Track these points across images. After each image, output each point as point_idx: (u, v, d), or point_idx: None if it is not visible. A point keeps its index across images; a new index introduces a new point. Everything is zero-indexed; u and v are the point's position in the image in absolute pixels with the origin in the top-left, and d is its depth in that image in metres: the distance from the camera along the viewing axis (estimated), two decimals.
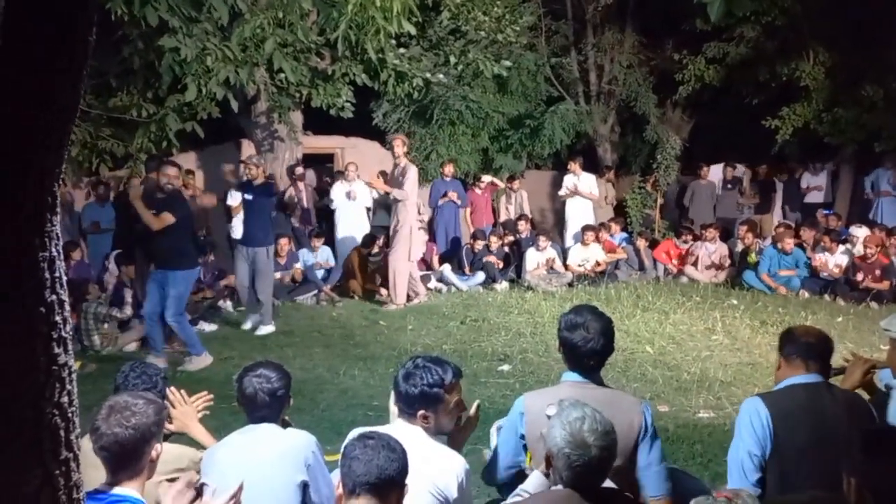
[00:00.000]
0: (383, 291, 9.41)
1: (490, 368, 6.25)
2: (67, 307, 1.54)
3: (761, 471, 2.54)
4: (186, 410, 2.95)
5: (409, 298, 8.76)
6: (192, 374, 6.03)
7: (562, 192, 11.38)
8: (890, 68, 10.56)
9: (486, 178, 11.58)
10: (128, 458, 2.14)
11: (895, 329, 2.74)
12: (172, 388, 2.92)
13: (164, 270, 6.33)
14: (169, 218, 6.13)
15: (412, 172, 8.52)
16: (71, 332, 1.55)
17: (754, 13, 11.22)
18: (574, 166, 11.26)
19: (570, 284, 9.86)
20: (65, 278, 1.52)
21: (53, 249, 1.48)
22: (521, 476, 2.81)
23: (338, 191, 10.39)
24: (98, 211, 9.57)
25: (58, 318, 1.49)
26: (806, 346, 2.61)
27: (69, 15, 1.35)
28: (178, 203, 6.32)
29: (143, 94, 8.22)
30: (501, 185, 11.74)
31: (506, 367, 6.25)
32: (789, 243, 9.46)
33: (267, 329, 7.48)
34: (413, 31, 7.81)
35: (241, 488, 2.26)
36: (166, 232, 6.24)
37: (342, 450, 2.09)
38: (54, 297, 1.48)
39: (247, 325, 7.70)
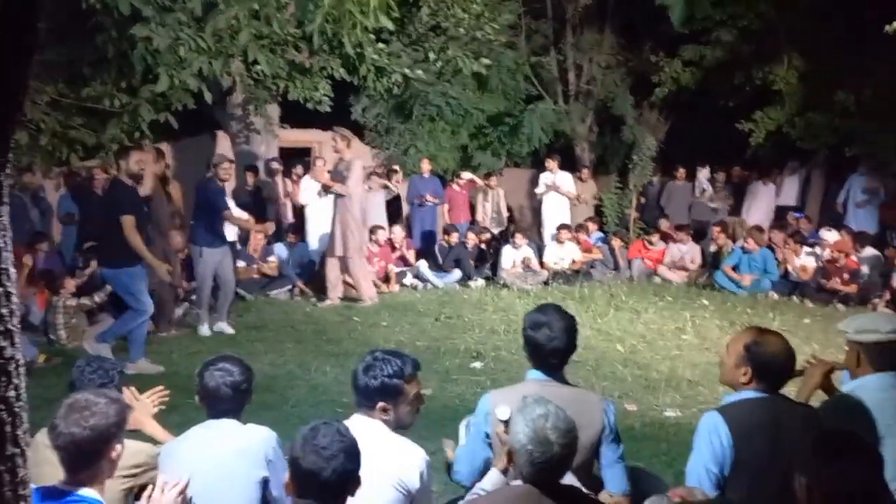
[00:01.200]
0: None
1: (462, 365, 6.26)
2: (15, 299, 1.51)
3: (718, 487, 2.53)
4: (138, 407, 2.90)
5: (325, 298, 8.56)
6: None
7: (540, 190, 11.43)
8: (863, 74, 10.71)
9: (466, 176, 11.60)
10: (85, 458, 2.11)
11: (852, 331, 2.77)
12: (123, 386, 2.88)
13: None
14: None
15: (357, 168, 8.36)
16: (17, 326, 1.52)
17: (730, 17, 11.33)
18: (552, 164, 11.33)
19: (546, 283, 9.91)
20: (13, 270, 1.50)
21: (0, 241, 1.45)
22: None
23: (308, 187, 10.22)
24: (73, 202, 9.45)
25: (3, 311, 1.46)
26: (779, 371, 2.59)
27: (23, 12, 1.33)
28: None
29: (116, 84, 8.08)
30: (480, 182, 11.77)
31: (478, 365, 6.27)
32: (751, 243, 9.60)
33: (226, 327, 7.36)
34: (391, 26, 7.72)
35: (188, 483, 2.24)
36: None
37: (290, 448, 2.07)
38: (0, 289, 1.45)
39: (205, 330, 7.30)
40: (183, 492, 2.26)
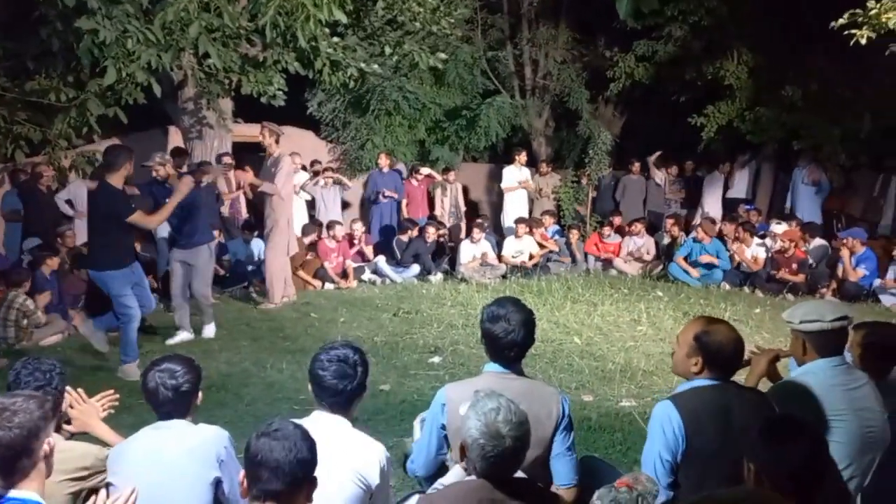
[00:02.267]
0: (316, 283, 9.33)
1: (421, 360, 6.25)
2: None
3: (673, 474, 2.59)
4: (86, 409, 2.83)
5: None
6: (111, 370, 5.84)
7: (510, 185, 11.51)
8: (809, 70, 10.99)
9: (424, 171, 11.60)
10: (17, 459, 2.04)
11: (797, 320, 2.83)
12: (69, 388, 2.80)
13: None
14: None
15: (286, 164, 8.08)
16: None
17: (681, 13, 11.51)
18: (522, 158, 11.48)
19: (504, 276, 9.96)
20: None
21: None
22: (445, 469, 2.83)
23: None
24: (18, 198, 9.17)
25: None
26: (729, 359, 2.64)
27: None
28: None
29: (63, 78, 7.87)
30: (439, 177, 11.78)
31: (436, 359, 6.26)
32: (711, 230, 9.80)
33: (212, 329, 6.97)
34: (345, 19, 7.70)
35: (133, 492, 2.20)
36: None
37: (245, 448, 2.04)
38: None
39: (175, 339, 6.78)
40: (128, 500, 2.21)
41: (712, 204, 11.89)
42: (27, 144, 7.98)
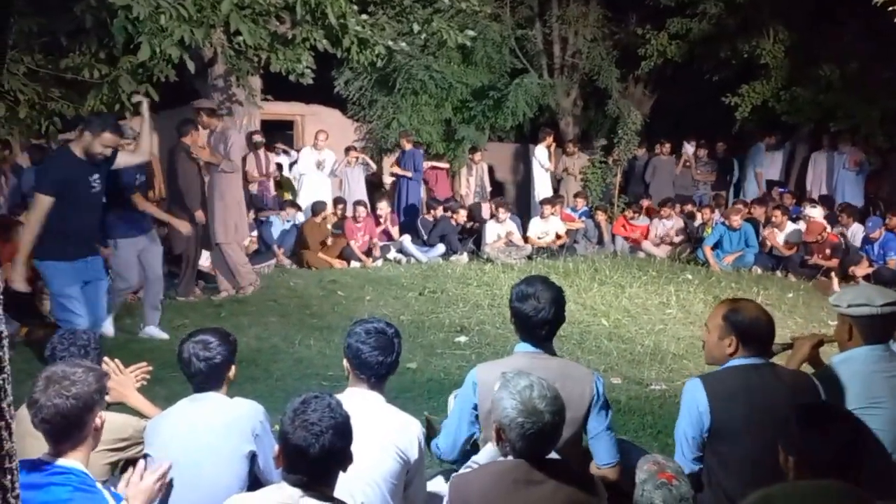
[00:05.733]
0: (337, 264, 9.34)
1: (447, 340, 6.25)
2: None
3: (699, 450, 2.62)
4: (122, 380, 2.88)
5: (219, 291, 7.65)
6: (143, 342, 5.92)
7: (551, 167, 11.63)
8: (847, 49, 10.72)
9: (427, 165, 11.63)
10: (70, 428, 2.08)
11: (845, 304, 2.78)
12: (106, 358, 2.84)
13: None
14: None
15: (236, 138, 7.58)
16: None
17: None
18: (549, 140, 11.58)
19: (530, 257, 9.92)
20: None
21: None
22: (475, 448, 2.83)
23: (307, 159, 10.33)
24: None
25: None
26: (763, 333, 2.63)
27: None
28: None
29: (95, 55, 7.93)
30: (444, 165, 11.82)
31: (463, 339, 6.26)
32: (736, 220, 9.63)
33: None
34: None
35: (169, 468, 2.23)
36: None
37: (280, 421, 2.05)
38: None
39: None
40: (162, 478, 2.25)
41: (752, 183, 11.71)
42: (60, 120, 8.06)
